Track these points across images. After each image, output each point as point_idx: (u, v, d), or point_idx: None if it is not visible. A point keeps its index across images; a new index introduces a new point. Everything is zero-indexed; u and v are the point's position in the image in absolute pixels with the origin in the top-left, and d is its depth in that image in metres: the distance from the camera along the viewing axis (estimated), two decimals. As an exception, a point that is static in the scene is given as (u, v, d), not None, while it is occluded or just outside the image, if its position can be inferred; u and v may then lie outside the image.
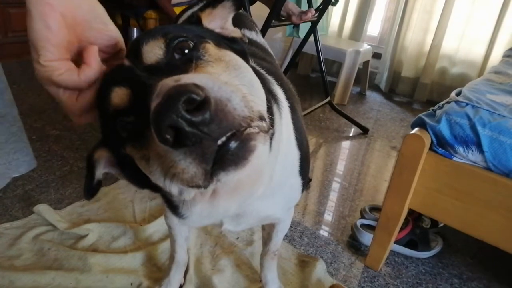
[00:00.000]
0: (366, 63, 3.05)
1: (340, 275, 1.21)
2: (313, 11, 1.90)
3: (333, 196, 1.66)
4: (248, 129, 0.38)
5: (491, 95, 1.13)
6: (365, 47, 2.97)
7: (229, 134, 0.37)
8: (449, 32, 2.80)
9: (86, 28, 0.49)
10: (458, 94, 1.14)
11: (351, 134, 2.35)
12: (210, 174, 0.38)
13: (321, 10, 2.06)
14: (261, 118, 0.40)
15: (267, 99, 0.53)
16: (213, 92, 0.36)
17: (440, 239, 1.38)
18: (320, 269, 1.19)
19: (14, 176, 0.79)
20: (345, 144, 2.23)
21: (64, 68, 0.47)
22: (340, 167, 1.94)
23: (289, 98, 0.71)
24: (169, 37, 0.46)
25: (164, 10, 1.70)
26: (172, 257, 1.04)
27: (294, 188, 0.75)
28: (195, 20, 0.55)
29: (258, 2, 1.90)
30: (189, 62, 0.45)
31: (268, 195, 0.66)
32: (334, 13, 3.32)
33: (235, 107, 0.37)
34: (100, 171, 0.57)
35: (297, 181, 0.74)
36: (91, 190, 0.56)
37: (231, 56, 0.49)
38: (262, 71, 0.69)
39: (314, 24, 2.14)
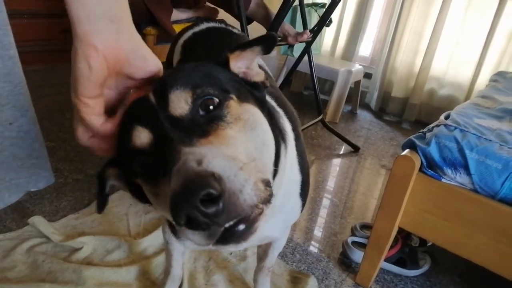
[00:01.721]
0: (357, 83, 3.12)
1: (331, 292, 1.23)
2: (308, 33, 1.95)
3: (324, 213, 1.68)
4: (253, 213, 0.41)
5: (478, 119, 1.18)
6: (357, 67, 3.04)
7: (236, 220, 0.41)
8: (438, 55, 2.88)
9: (126, 65, 0.50)
10: (446, 118, 1.18)
11: (342, 152, 2.39)
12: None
13: (316, 31, 2.12)
14: (267, 185, 0.43)
15: (277, 140, 0.57)
16: (228, 182, 0.39)
17: (428, 257, 1.41)
18: (311, 286, 1.21)
19: (32, 190, 0.81)
20: (336, 162, 2.27)
21: (93, 113, 0.49)
22: (331, 184, 1.97)
23: (294, 128, 0.73)
24: (197, 93, 0.48)
25: (163, 27, 1.73)
26: (167, 272, 1.05)
27: (294, 209, 0.78)
28: (223, 60, 0.56)
29: (254, 22, 1.95)
30: (210, 123, 0.47)
31: (268, 217, 0.68)
32: (328, 33, 3.40)
33: (246, 198, 0.39)
34: (109, 185, 0.60)
35: (297, 202, 0.77)
36: (102, 204, 0.60)
37: (249, 113, 0.51)
38: (273, 103, 0.72)
39: (309, 44, 2.19)
